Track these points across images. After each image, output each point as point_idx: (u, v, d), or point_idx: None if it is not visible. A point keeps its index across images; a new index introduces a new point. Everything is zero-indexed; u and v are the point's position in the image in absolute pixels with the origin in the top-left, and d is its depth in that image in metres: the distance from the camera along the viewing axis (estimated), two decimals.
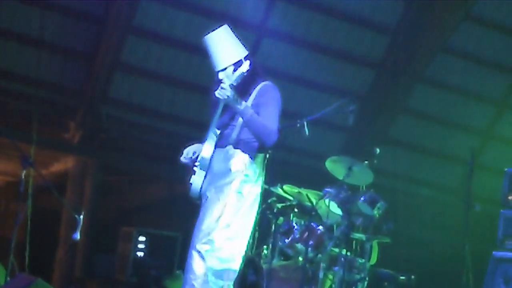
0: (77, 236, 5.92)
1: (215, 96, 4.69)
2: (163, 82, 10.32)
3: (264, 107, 4.74)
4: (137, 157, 10.60)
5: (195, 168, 4.73)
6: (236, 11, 9.71)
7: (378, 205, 6.27)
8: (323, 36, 10.48)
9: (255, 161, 4.73)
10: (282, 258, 6.76)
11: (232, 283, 4.62)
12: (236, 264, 4.62)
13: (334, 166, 6.41)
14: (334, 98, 5.89)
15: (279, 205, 6.71)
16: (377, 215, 6.31)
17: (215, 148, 4.72)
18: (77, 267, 10.15)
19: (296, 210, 6.79)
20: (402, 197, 11.24)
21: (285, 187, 6.66)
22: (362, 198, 6.29)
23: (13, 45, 9.63)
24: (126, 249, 9.45)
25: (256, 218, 4.78)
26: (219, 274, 4.52)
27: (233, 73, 4.72)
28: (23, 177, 5.98)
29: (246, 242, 4.69)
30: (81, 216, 5.90)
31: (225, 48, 4.82)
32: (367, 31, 10.57)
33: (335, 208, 6.36)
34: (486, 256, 6.29)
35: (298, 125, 5.04)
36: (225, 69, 4.81)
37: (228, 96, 4.60)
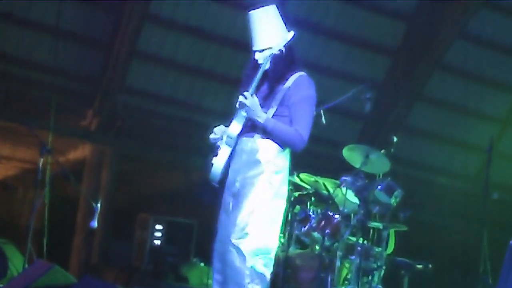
0: (95, 223, 5.95)
1: (246, 75, 4.55)
2: (179, 70, 10.33)
3: (297, 108, 4.51)
4: (153, 145, 10.63)
5: (220, 145, 4.51)
6: None
7: (395, 193, 6.25)
8: (339, 22, 10.43)
9: (284, 150, 4.55)
10: (298, 246, 6.76)
11: (271, 271, 4.50)
12: (273, 253, 4.51)
13: (351, 154, 6.39)
14: (351, 86, 5.84)
15: (296, 194, 6.70)
16: (394, 203, 6.29)
17: (242, 129, 4.51)
18: (94, 254, 10.20)
19: (312, 198, 6.78)
20: (419, 185, 11.20)
21: (302, 175, 6.65)
22: (379, 186, 6.26)
23: (31, 33, 9.67)
24: (143, 237, 9.49)
25: (286, 207, 4.65)
26: (258, 265, 4.40)
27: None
28: (40, 164, 6.03)
29: (279, 231, 4.58)
30: (99, 204, 5.94)
31: (267, 29, 4.56)
32: (383, 18, 10.52)
33: (352, 197, 6.34)
34: (504, 244, 6.25)
35: (315, 113, 4.97)
36: (262, 50, 4.57)
37: (248, 106, 4.42)
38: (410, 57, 10.69)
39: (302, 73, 4.63)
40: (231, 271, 4.42)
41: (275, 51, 4.48)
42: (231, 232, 4.44)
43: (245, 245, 4.39)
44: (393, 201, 6.28)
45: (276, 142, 4.50)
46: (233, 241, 4.41)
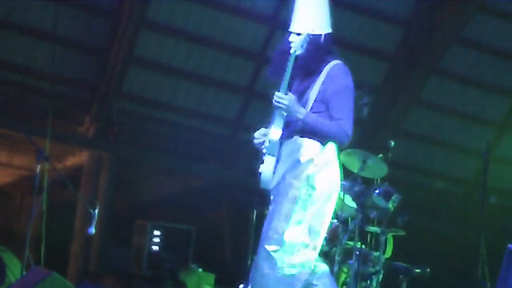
0: (92, 230, 5.94)
1: (276, 60, 4.29)
2: (177, 75, 10.33)
3: (335, 100, 4.23)
4: (151, 151, 10.62)
5: (264, 151, 4.27)
6: (249, 2, 9.68)
7: (393, 198, 6.26)
8: (336, 28, 10.41)
9: (326, 147, 4.24)
10: None
11: (305, 282, 4.20)
12: (308, 261, 4.19)
13: (349, 159, 6.39)
14: None
15: None
16: (392, 208, 6.30)
17: (283, 133, 4.23)
18: (92, 260, 10.19)
19: None
20: (417, 189, 11.20)
21: None
22: (376, 191, 6.27)
23: (28, 40, 9.68)
24: (141, 243, 9.48)
25: (334, 210, 4.34)
26: (290, 274, 4.13)
27: (306, 43, 4.20)
28: (38, 171, 6.02)
29: (322, 239, 4.26)
30: (96, 210, 5.93)
31: (311, 14, 4.31)
32: (381, 23, 10.53)
33: (349, 201, 6.34)
34: (502, 248, 6.25)
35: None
36: (299, 34, 4.25)
37: (286, 105, 4.15)
38: (407, 62, 10.70)
39: (336, 61, 4.38)
40: (255, 276, 4.19)
41: (311, 32, 4.20)
42: (265, 235, 4.20)
43: (279, 250, 4.13)
44: (390, 205, 6.29)
45: (317, 139, 4.23)
46: (266, 246, 4.17)
